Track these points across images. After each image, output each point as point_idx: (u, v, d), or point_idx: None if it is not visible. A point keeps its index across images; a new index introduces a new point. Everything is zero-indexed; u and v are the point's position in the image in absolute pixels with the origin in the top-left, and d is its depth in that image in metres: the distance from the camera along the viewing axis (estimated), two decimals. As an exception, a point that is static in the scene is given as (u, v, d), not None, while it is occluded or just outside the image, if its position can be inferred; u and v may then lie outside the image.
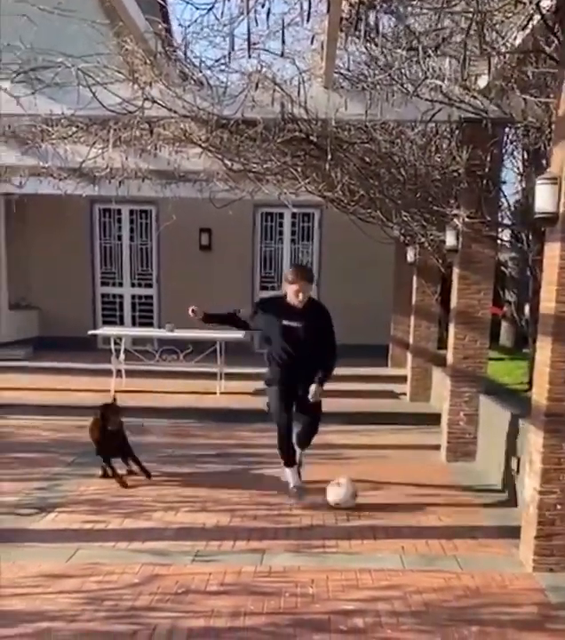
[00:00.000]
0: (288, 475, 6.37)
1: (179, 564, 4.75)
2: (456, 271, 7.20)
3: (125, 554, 4.93)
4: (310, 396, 6.05)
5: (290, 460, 6.34)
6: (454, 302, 7.25)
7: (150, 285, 15.17)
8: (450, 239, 7.09)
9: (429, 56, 4.91)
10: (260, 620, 3.99)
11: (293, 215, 14.36)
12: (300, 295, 5.89)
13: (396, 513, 5.88)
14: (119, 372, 10.92)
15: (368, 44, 4.90)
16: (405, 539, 5.29)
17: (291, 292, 5.92)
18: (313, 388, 6.04)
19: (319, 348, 6.05)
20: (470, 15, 4.28)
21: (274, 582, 4.50)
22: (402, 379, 11.12)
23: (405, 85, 5.40)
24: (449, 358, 7.43)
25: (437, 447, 7.76)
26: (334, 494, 5.96)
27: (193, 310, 6.33)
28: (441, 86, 5.28)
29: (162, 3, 5.32)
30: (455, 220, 6.88)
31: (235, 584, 4.47)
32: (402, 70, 5.16)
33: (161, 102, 5.75)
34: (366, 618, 4.03)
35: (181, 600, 4.22)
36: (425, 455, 7.81)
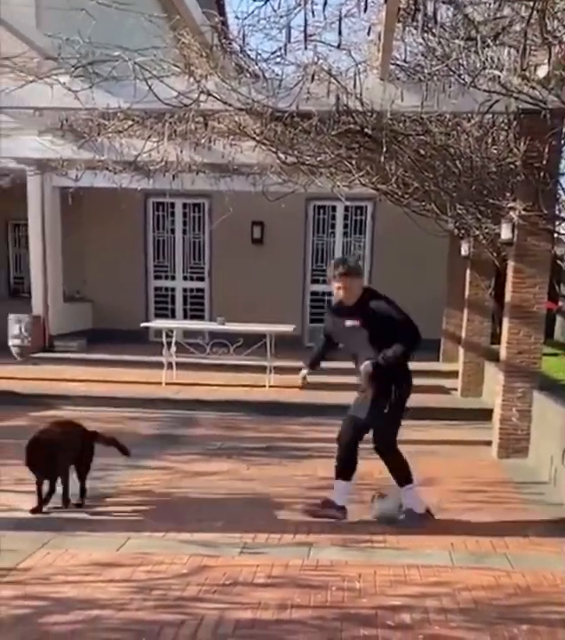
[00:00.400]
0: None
1: (226, 555, 4.77)
2: (511, 265, 7.07)
3: (174, 544, 4.97)
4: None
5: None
6: (508, 296, 7.13)
7: (202, 279, 15.27)
8: (506, 232, 6.97)
9: (488, 46, 4.83)
10: (307, 613, 3.98)
11: (346, 208, 14.26)
12: (342, 292, 5.23)
13: (446, 509, 5.81)
14: (170, 364, 11.04)
15: (425, 35, 4.84)
16: (454, 535, 5.23)
17: (335, 292, 5.32)
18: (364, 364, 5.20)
19: (391, 343, 5.17)
20: (531, 3, 4.20)
21: (320, 576, 4.49)
22: (454, 374, 11.00)
23: (462, 76, 5.32)
24: (503, 353, 7.31)
25: (488, 443, 7.65)
26: (379, 506, 5.63)
27: (304, 378, 5.78)
28: (499, 77, 5.18)
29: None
30: (511, 212, 6.76)
31: (282, 577, 4.47)
32: (460, 61, 5.08)
33: (216, 95, 5.77)
34: (414, 614, 3.99)
35: (229, 591, 4.24)
36: (477, 451, 7.72)
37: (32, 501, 5.56)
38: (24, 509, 5.56)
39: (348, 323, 5.27)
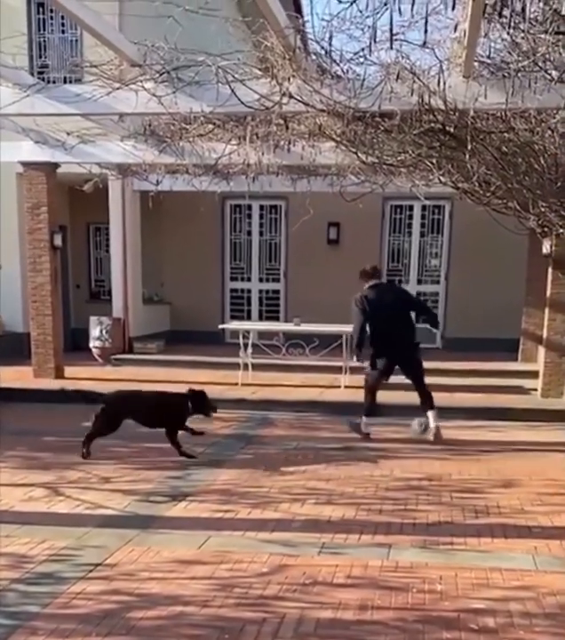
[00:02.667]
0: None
1: (306, 555, 4.80)
2: (596, 262, 6.90)
3: (254, 543, 5.03)
4: None
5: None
6: (594, 294, 6.95)
7: (277, 280, 15.40)
8: (591, 230, 6.81)
9: (577, 39, 4.73)
10: (388, 614, 3.97)
11: (423, 207, 14.17)
12: None
13: (528, 512, 5.73)
14: (246, 365, 11.16)
15: (511, 30, 4.77)
16: (538, 539, 5.14)
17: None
18: None
19: None
20: None
21: (401, 577, 4.47)
22: (533, 374, 10.81)
23: (549, 71, 5.21)
24: (587, 352, 7.13)
25: (572, 445, 7.48)
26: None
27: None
28: (587, 71, 5.06)
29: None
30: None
31: (362, 577, 4.47)
32: (547, 56, 4.98)
33: (298, 97, 5.82)
34: (497, 618, 3.93)
35: (309, 591, 4.26)
36: (559, 453, 7.56)
37: (118, 498, 5.74)
38: (109, 507, 5.72)
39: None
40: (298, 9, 6.05)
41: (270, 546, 4.97)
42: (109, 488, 6.25)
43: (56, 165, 10.61)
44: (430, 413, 7.97)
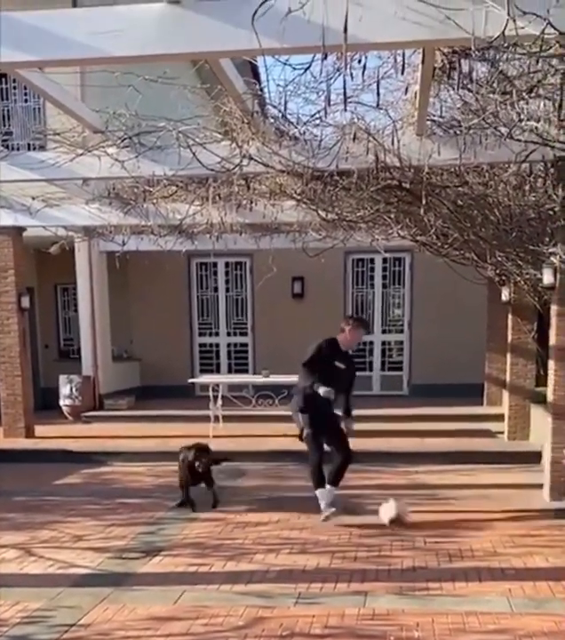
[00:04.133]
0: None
1: (282, 606, 4.73)
2: (554, 308, 7.00)
3: (230, 596, 4.96)
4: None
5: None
6: (553, 339, 7.04)
7: (245, 333, 15.34)
8: (548, 277, 6.92)
9: (523, 99, 4.84)
10: (367, 664, 3.90)
11: (384, 260, 14.22)
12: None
13: (501, 554, 5.71)
14: (217, 417, 11.09)
15: (461, 91, 4.87)
16: (511, 581, 5.12)
17: (358, 338, 7.21)
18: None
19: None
20: (565, 57, 4.21)
21: (378, 625, 4.41)
22: (499, 417, 10.87)
23: (499, 128, 5.32)
24: (550, 396, 7.18)
25: (539, 486, 7.49)
26: (387, 511, 6.26)
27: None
28: (536, 127, 5.17)
29: (254, 63, 5.45)
30: (552, 257, 6.69)
31: (339, 627, 4.41)
32: (496, 114, 5.09)
33: (258, 159, 5.87)
34: (476, 664, 3.88)
35: (286, 643, 4.18)
36: (528, 494, 7.55)
37: (91, 556, 5.60)
38: (82, 565, 5.61)
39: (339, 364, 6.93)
40: (255, 75, 6.11)
41: (246, 598, 4.89)
42: (82, 546, 6.14)
43: (22, 229, 10.57)
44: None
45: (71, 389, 12.75)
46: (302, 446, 9.98)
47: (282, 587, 5.08)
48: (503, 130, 5.28)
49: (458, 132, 5.65)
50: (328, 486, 6.85)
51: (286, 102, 4.99)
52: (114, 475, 9.06)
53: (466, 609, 4.61)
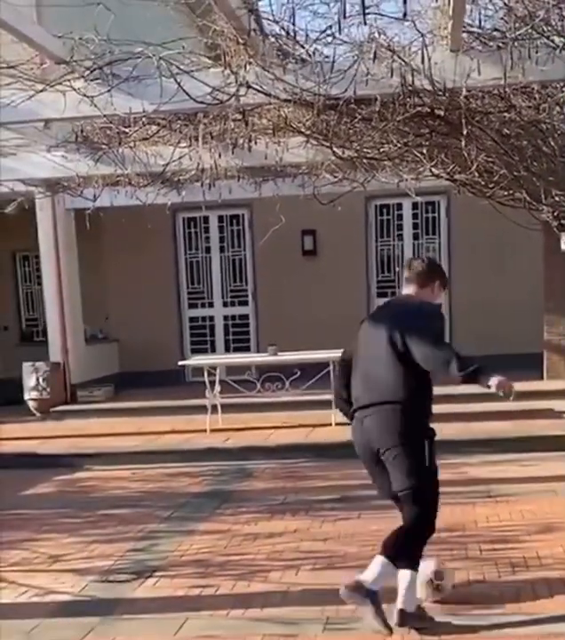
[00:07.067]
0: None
1: (306, 633, 4.76)
2: None
3: (242, 623, 5.00)
4: None
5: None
6: None
7: (246, 303, 15.44)
8: (618, 217, 6.93)
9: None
10: None
11: (414, 205, 14.25)
12: None
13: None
14: (214, 407, 11.16)
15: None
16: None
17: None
18: None
19: None
20: None
21: (422, 652, 4.43)
22: (563, 393, 10.91)
23: (551, 38, 5.31)
24: None
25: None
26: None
27: None
28: (597, 36, 5.18)
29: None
30: None
31: (378, 658, 4.42)
32: (548, 20, 5.08)
33: (257, 87, 5.85)
34: None
35: (314, 679, 4.21)
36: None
37: (72, 580, 5.69)
38: (62, 591, 5.66)
39: None
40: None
41: (262, 625, 4.91)
42: (60, 568, 6.21)
43: (-32, 186, 10.56)
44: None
45: (37, 380, 12.83)
46: (319, 439, 10.09)
47: (306, 610, 5.12)
48: (557, 40, 5.27)
49: (502, 46, 5.61)
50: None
51: (293, 15, 4.97)
52: (93, 481, 9.14)
53: (536, 630, 4.60)
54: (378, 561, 4.79)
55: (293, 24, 5.18)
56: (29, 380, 12.89)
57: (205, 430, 10.82)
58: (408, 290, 5.22)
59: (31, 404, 12.93)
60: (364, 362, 5.03)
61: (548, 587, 5.28)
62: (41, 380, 12.84)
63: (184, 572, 6.00)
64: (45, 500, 8.30)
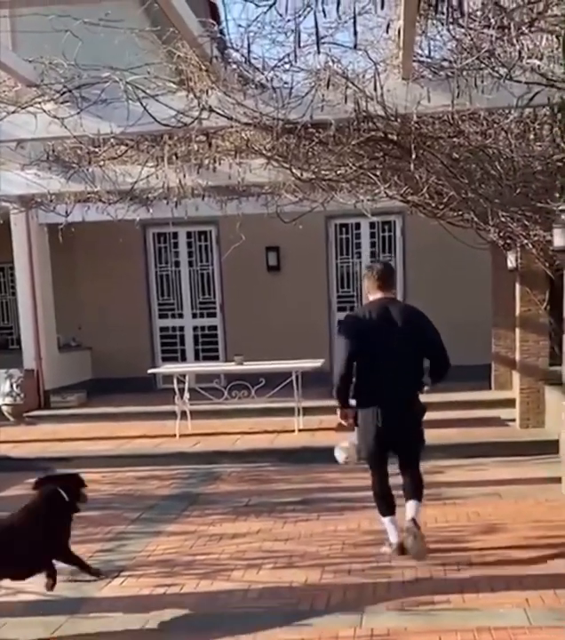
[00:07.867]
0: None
1: (266, 629, 4.75)
2: (568, 274, 7.08)
3: (205, 619, 4.99)
4: None
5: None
6: (568, 310, 7.12)
7: (214, 314, 15.38)
8: (559, 239, 6.99)
9: (523, 33, 4.86)
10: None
11: (372, 225, 14.32)
12: None
13: (515, 560, 5.78)
14: (184, 413, 11.11)
15: (451, 26, 4.89)
16: (529, 590, 5.16)
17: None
18: None
19: None
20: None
21: (377, 647, 4.43)
22: (509, 402, 11.00)
23: (496, 69, 5.34)
24: (567, 375, 7.29)
25: (557, 480, 7.62)
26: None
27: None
28: (538, 66, 5.20)
29: (213, 2, 5.44)
30: (563, 216, 6.76)
31: (333, 651, 4.43)
32: (493, 52, 5.11)
33: (219, 111, 5.86)
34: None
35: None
36: (545, 490, 7.68)
37: (39, 579, 5.55)
38: (29, 591, 5.54)
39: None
40: (213, 14, 6.08)
41: (225, 620, 4.92)
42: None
43: (-54, 201, 10.46)
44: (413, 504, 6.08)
45: (11, 386, 12.70)
46: (283, 444, 10.11)
47: (266, 607, 5.12)
48: (501, 70, 5.31)
49: (450, 75, 5.65)
50: None
51: (249, 44, 4.97)
52: (64, 484, 9.05)
53: (478, 624, 4.66)
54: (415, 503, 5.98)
55: (248, 52, 5.16)
56: (4, 386, 12.76)
57: (175, 435, 10.77)
58: (388, 293, 6.19)
59: (5, 410, 12.79)
60: (390, 358, 5.95)
61: (489, 583, 5.35)
62: (15, 386, 12.71)
63: (150, 571, 5.97)
64: (17, 503, 8.17)
